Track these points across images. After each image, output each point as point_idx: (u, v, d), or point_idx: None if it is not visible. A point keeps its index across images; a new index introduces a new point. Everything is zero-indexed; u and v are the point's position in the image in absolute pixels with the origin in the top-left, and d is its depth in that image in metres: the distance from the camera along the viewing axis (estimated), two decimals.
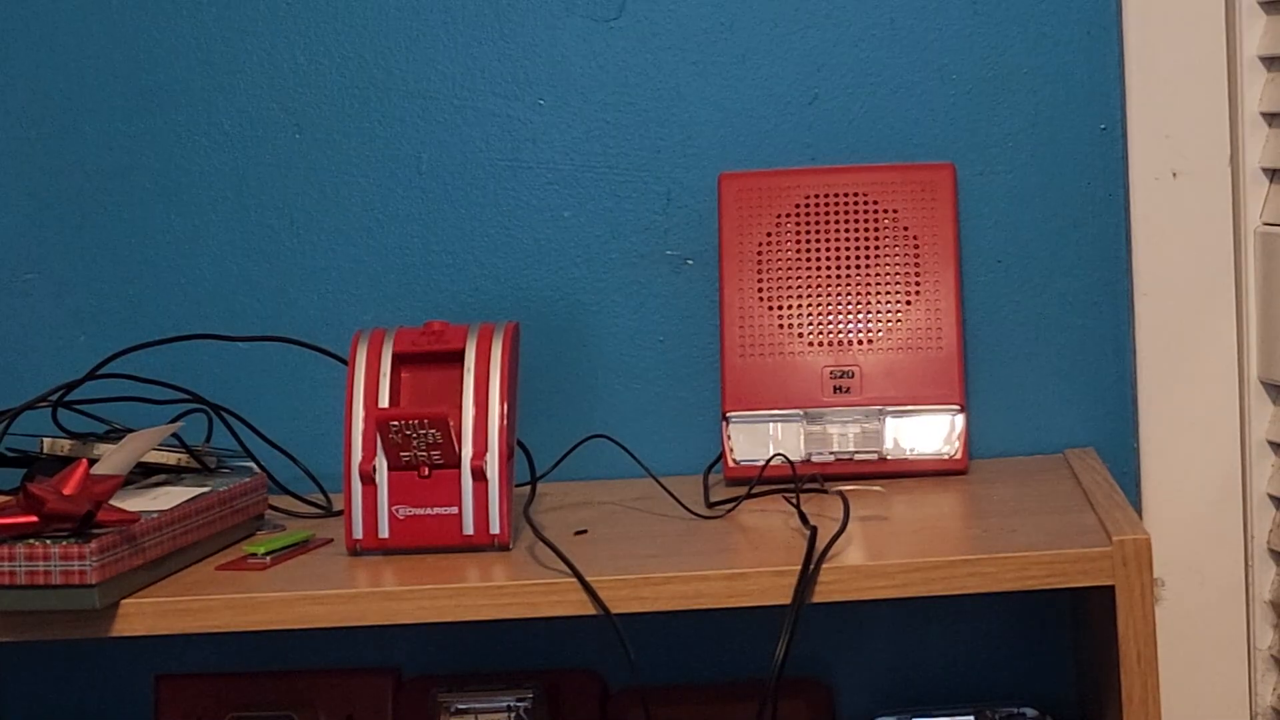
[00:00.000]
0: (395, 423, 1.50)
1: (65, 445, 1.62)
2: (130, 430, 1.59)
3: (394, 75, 1.82)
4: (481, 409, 1.53)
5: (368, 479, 1.52)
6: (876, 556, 1.42)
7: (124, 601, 1.42)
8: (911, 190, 1.74)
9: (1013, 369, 1.80)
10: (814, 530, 1.43)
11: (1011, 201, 1.79)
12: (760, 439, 1.72)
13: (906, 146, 1.79)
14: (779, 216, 1.75)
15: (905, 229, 1.74)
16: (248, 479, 1.63)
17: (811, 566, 1.39)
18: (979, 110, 1.79)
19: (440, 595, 1.42)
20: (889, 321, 1.73)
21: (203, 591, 1.44)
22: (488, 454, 1.52)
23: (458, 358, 1.55)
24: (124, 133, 1.84)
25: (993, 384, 1.80)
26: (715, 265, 1.78)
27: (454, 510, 1.52)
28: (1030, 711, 1.66)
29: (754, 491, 1.63)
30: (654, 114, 1.81)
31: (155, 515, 1.47)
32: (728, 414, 1.73)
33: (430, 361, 1.56)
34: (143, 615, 1.42)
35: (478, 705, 1.67)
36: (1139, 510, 1.76)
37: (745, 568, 1.41)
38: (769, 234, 1.75)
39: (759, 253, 1.75)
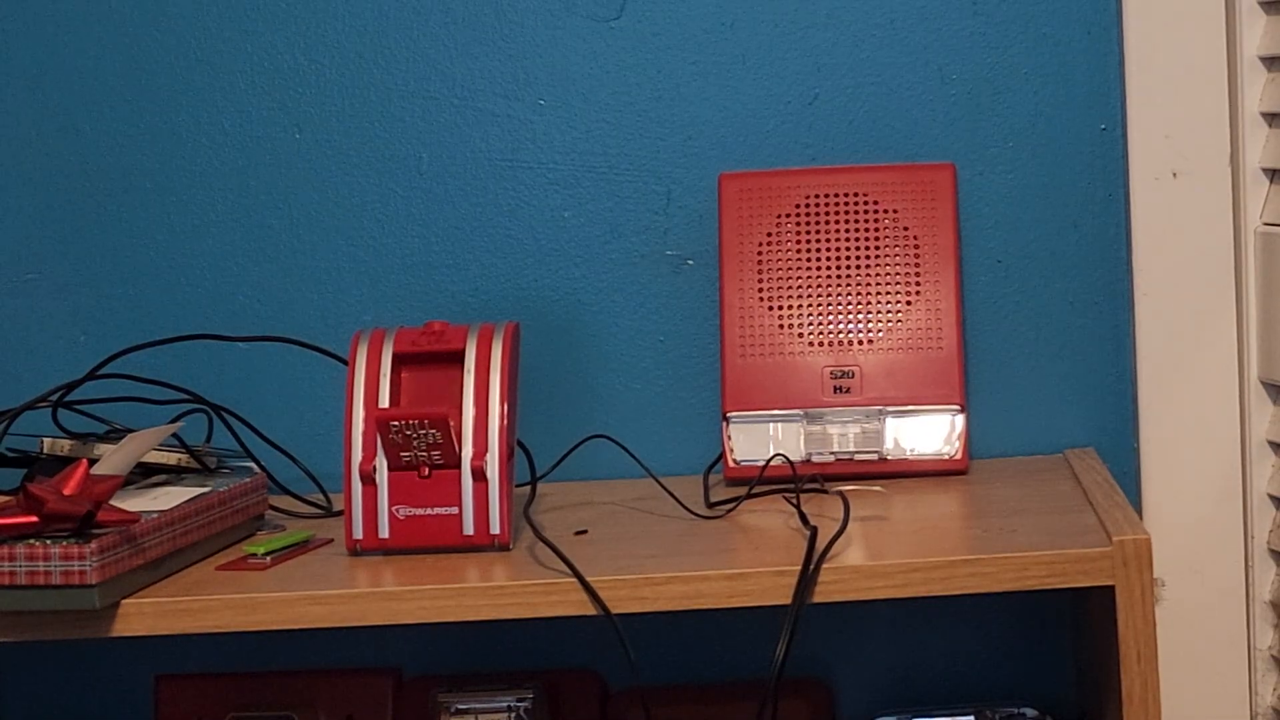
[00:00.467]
0: (395, 423, 1.50)
1: (65, 445, 1.62)
2: (130, 430, 1.59)
3: (394, 75, 1.82)
4: (481, 409, 1.53)
5: (368, 479, 1.52)
6: (876, 556, 1.42)
7: (124, 601, 1.42)
8: (911, 190, 1.74)
9: (1013, 369, 1.80)
10: (814, 530, 1.43)
11: (1011, 201, 1.79)
12: (760, 439, 1.72)
13: (906, 146, 1.79)
14: (779, 216, 1.75)
15: (905, 229, 1.74)
16: (248, 479, 1.63)
17: (811, 566, 1.39)
18: (979, 110, 1.79)
19: (440, 595, 1.42)
20: (889, 321, 1.73)
21: (203, 591, 1.44)
22: (488, 454, 1.52)
23: (458, 358, 1.55)
24: (124, 133, 1.84)
25: (993, 384, 1.80)
26: (715, 265, 1.78)
27: (454, 510, 1.52)
28: (1030, 711, 1.66)
29: (754, 492, 1.63)
30: (654, 114, 1.81)
31: (155, 515, 1.47)
32: (728, 414, 1.73)
33: (430, 361, 1.56)
34: (143, 615, 1.42)
35: (478, 705, 1.67)
36: (1139, 510, 1.76)
37: (745, 568, 1.41)
38: (769, 234, 1.75)
39: (759, 253, 1.75)
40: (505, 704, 1.67)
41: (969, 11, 1.78)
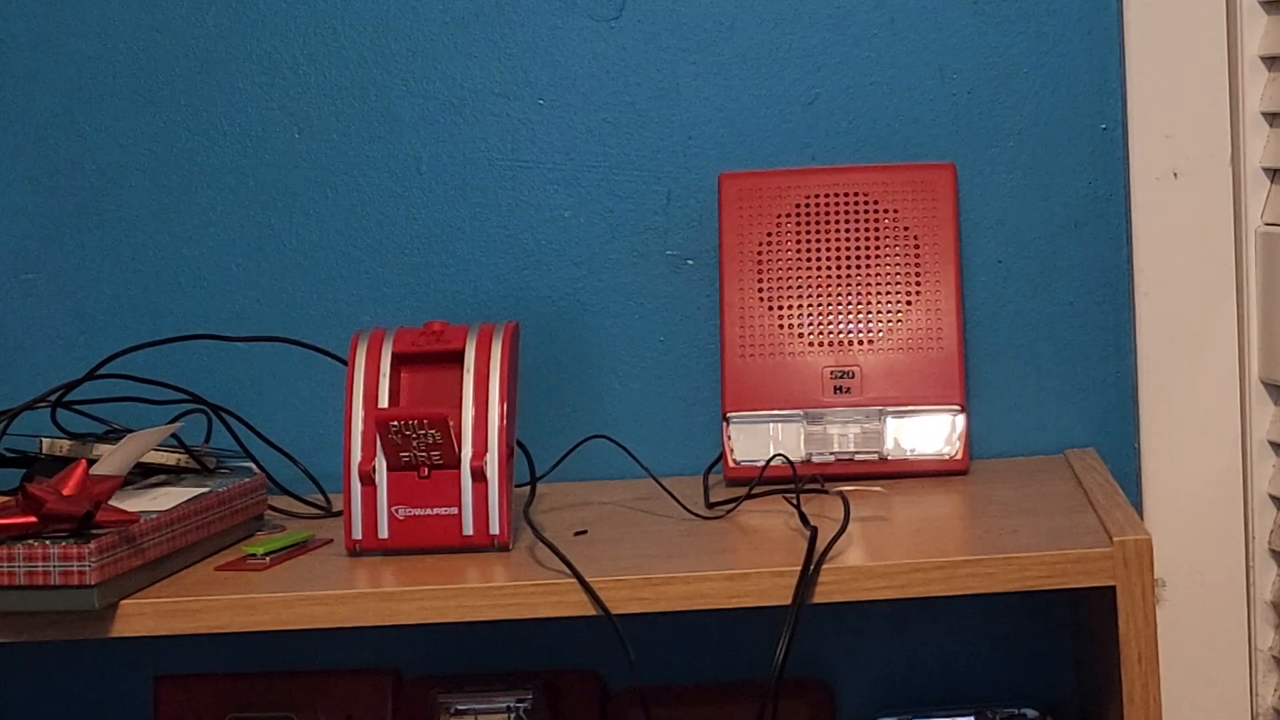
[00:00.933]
0: (395, 423, 1.50)
1: (64, 445, 1.61)
2: (130, 430, 1.59)
3: (394, 75, 1.82)
4: (481, 409, 1.53)
5: (367, 479, 1.52)
6: (877, 557, 1.42)
7: (123, 602, 1.42)
8: (911, 190, 1.74)
9: (1013, 369, 1.80)
10: (814, 530, 1.43)
11: (1011, 201, 1.79)
12: (760, 439, 1.72)
13: (906, 146, 1.79)
14: (779, 216, 1.75)
15: (905, 229, 1.74)
16: (247, 479, 1.62)
17: (812, 567, 1.39)
18: (979, 110, 1.78)
19: (440, 596, 1.41)
20: (889, 321, 1.73)
21: (202, 592, 1.44)
22: (487, 454, 1.52)
23: (458, 358, 1.55)
24: (124, 132, 1.83)
25: (993, 384, 1.80)
26: (715, 265, 1.77)
27: (454, 510, 1.52)
28: (1030, 712, 1.66)
29: (754, 492, 1.63)
30: (654, 114, 1.81)
31: (155, 515, 1.47)
32: (728, 414, 1.73)
33: (430, 361, 1.56)
34: (142, 616, 1.42)
35: (478, 706, 1.67)
36: (1139, 510, 1.76)
37: (745, 568, 1.41)
38: (769, 234, 1.75)
39: (759, 253, 1.75)
40: (505, 704, 1.67)
41: (969, 11, 1.78)
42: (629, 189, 1.81)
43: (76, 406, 1.67)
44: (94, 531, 1.40)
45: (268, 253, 1.84)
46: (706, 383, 1.80)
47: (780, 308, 1.74)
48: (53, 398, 1.65)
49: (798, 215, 1.75)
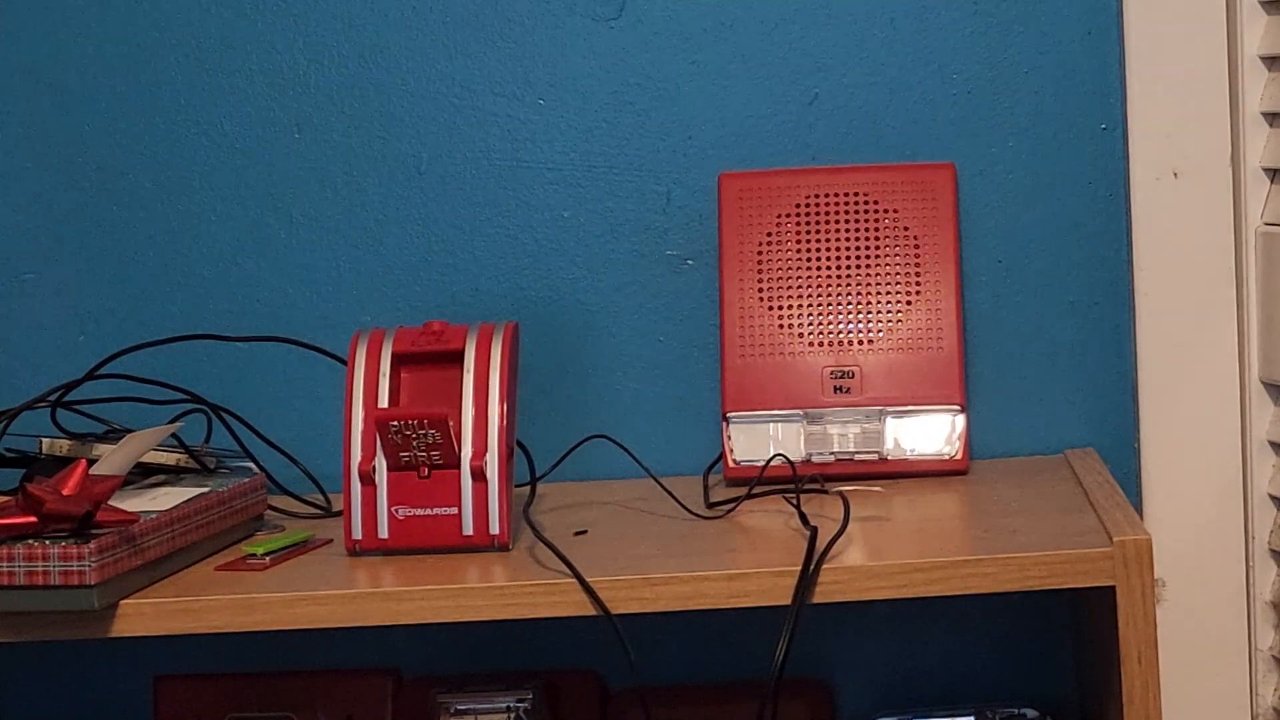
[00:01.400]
0: (395, 423, 1.50)
1: (64, 445, 1.61)
2: (129, 430, 1.59)
3: (394, 75, 1.82)
4: (481, 409, 1.53)
5: (367, 479, 1.52)
6: (877, 557, 1.42)
7: (123, 602, 1.42)
8: (911, 190, 1.74)
9: (1013, 369, 1.80)
10: (814, 530, 1.43)
11: (1011, 201, 1.79)
12: (760, 439, 1.72)
13: (906, 146, 1.79)
14: (779, 216, 1.75)
15: (905, 229, 1.74)
16: (247, 479, 1.62)
17: (811, 567, 1.39)
18: (979, 110, 1.78)
19: (440, 596, 1.41)
20: (889, 321, 1.73)
21: (202, 592, 1.44)
22: (487, 454, 1.52)
23: (457, 358, 1.55)
24: (124, 132, 1.83)
25: (993, 384, 1.80)
26: (715, 265, 1.77)
27: (454, 510, 1.52)
28: (1030, 712, 1.66)
29: (754, 492, 1.63)
30: (654, 114, 1.80)
31: (155, 515, 1.47)
32: (728, 414, 1.73)
33: (430, 361, 1.56)
34: (142, 615, 1.42)
35: (478, 706, 1.67)
36: (1139, 510, 1.75)
37: (745, 568, 1.41)
38: (769, 234, 1.75)
39: (759, 253, 1.75)
40: (505, 704, 1.67)
41: (969, 11, 1.78)
42: (629, 189, 1.81)
43: (76, 406, 1.67)
44: (94, 531, 1.40)
45: (268, 253, 1.84)
46: (706, 383, 1.80)
47: (780, 308, 1.74)
48: (53, 398, 1.65)
49: (798, 215, 1.75)
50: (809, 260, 1.74)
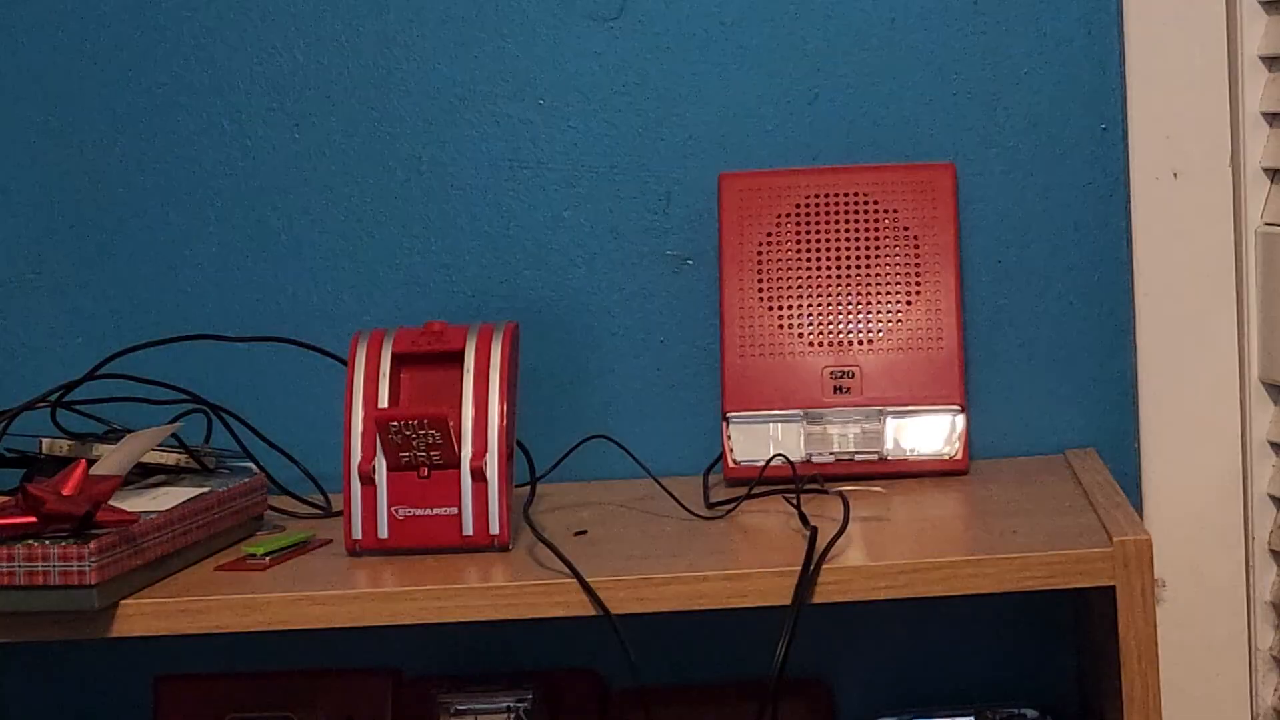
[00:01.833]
0: (395, 423, 1.50)
1: (64, 446, 1.61)
2: (129, 430, 1.59)
3: (394, 75, 1.82)
4: (481, 409, 1.53)
5: (367, 479, 1.52)
6: (877, 557, 1.42)
7: (123, 602, 1.42)
8: (911, 190, 1.74)
9: (1013, 369, 1.80)
10: (814, 531, 1.43)
11: (1011, 201, 1.79)
12: (760, 439, 1.72)
13: (906, 146, 1.79)
14: (779, 216, 1.75)
15: (905, 229, 1.74)
16: (247, 479, 1.62)
17: (811, 567, 1.39)
18: (979, 110, 1.78)
19: (440, 596, 1.41)
20: (889, 321, 1.73)
21: (202, 592, 1.44)
22: (487, 454, 1.52)
23: (457, 358, 1.55)
24: (124, 133, 1.83)
25: (993, 384, 1.80)
26: (715, 265, 1.77)
27: (453, 511, 1.52)
28: (1030, 712, 1.66)
29: (754, 492, 1.63)
30: (654, 114, 1.81)
31: (155, 515, 1.47)
32: (728, 414, 1.73)
33: (430, 361, 1.56)
34: (142, 616, 1.42)
35: (478, 706, 1.67)
36: (1139, 510, 1.75)
37: (745, 568, 1.41)
38: (769, 234, 1.75)
39: (759, 253, 1.75)
40: (505, 704, 1.67)
41: (969, 11, 1.78)
42: (629, 189, 1.81)
43: (76, 406, 1.67)
44: (94, 531, 1.40)
45: (268, 253, 1.84)
46: (706, 383, 1.80)
47: (780, 308, 1.74)
48: (53, 398, 1.65)
49: (798, 215, 1.75)
50: (809, 260, 1.74)
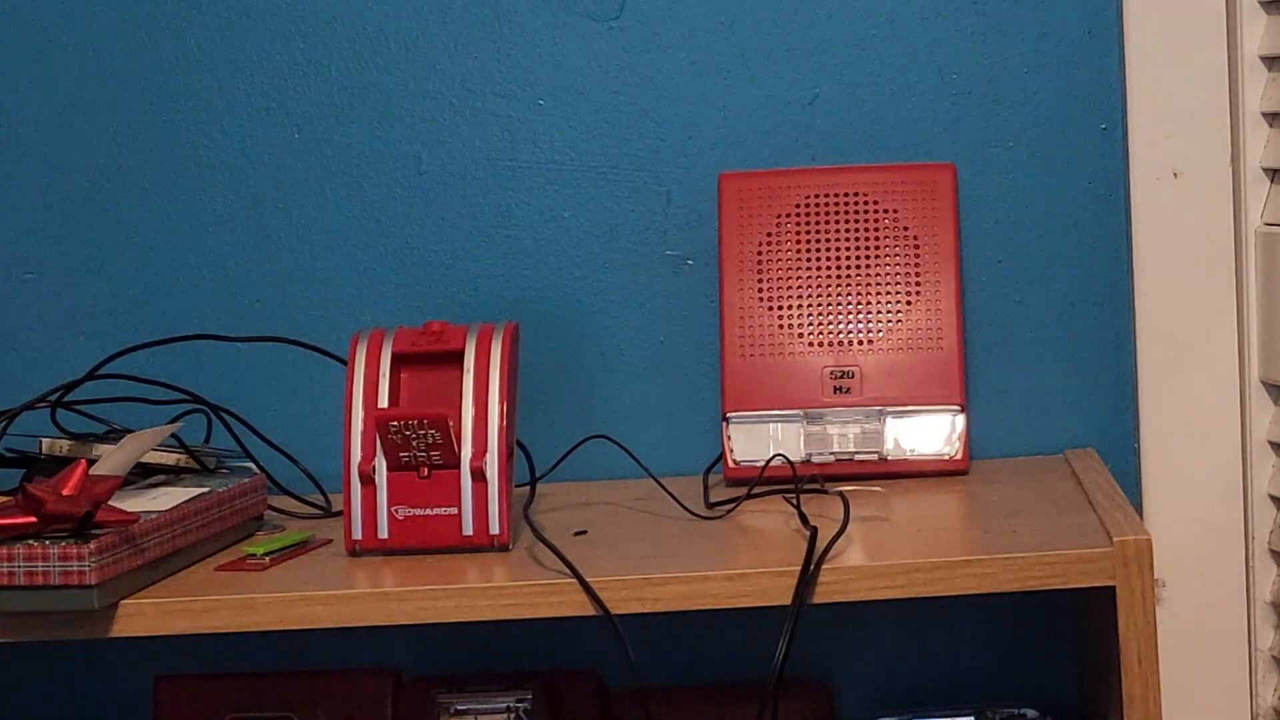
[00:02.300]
0: (395, 423, 1.50)
1: (64, 446, 1.61)
2: (129, 430, 1.59)
3: (394, 75, 1.82)
4: (481, 409, 1.53)
5: (367, 479, 1.52)
6: (877, 557, 1.42)
7: (123, 602, 1.42)
8: (911, 190, 1.74)
9: (1013, 369, 1.80)
10: (814, 531, 1.43)
11: (1011, 201, 1.79)
12: (760, 439, 1.72)
13: (906, 146, 1.79)
14: (779, 216, 1.75)
15: (905, 229, 1.74)
16: (247, 479, 1.62)
17: (811, 567, 1.39)
18: (979, 110, 1.78)
19: (440, 596, 1.41)
20: (889, 321, 1.73)
21: (202, 592, 1.44)
22: (487, 454, 1.52)
23: (457, 358, 1.55)
24: (124, 132, 1.83)
25: (993, 384, 1.80)
26: (715, 265, 1.77)
27: (453, 511, 1.52)
28: (1030, 712, 1.66)
29: (754, 492, 1.63)
30: (654, 114, 1.81)
31: (155, 516, 1.47)
32: (728, 414, 1.73)
33: (430, 361, 1.56)
34: (142, 616, 1.42)
35: (478, 706, 1.67)
36: (1139, 510, 1.75)
37: (745, 568, 1.41)
38: (769, 234, 1.75)
39: (759, 253, 1.75)
40: (505, 704, 1.67)
41: (969, 11, 1.78)
42: (629, 189, 1.81)
43: (76, 406, 1.67)
44: (94, 531, 1.40)
45: (268, 253, 1.83)
46: (706, 383, 1.80)
47: (780, 308, 1.74)
48: (53, 398, 1.65)
49: (798, 215, 1.75)
50: (809, 260, 1.74)
